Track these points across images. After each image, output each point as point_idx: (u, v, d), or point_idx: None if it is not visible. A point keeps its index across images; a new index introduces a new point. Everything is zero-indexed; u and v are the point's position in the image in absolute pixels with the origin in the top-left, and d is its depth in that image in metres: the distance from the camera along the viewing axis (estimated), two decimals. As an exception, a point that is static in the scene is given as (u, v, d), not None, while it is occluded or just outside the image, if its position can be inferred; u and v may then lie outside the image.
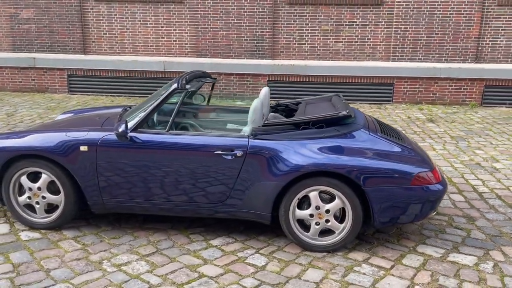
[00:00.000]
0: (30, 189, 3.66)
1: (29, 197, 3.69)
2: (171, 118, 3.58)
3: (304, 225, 3.49)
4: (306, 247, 3.45)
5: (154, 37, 10.12)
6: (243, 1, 9.69)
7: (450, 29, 9.33)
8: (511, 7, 9.19)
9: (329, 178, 3.32)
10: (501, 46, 9.37)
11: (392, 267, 3.21)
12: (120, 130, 3.40)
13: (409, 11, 9.36)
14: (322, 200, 3.38)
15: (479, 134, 6.83)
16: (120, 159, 3.53)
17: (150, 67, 9.62)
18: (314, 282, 3.02)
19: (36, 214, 3.74)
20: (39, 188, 3.65)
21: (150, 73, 9.69)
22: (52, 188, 3.70)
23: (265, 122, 3.58)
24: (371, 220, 3.37)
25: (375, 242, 3.58)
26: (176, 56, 10.10)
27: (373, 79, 9.27)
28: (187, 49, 10.11)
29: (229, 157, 3.43)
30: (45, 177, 3.64)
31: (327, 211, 3.37)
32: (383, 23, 9.52)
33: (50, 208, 3.76)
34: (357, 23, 9.58)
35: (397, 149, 3.51)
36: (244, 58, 9.88)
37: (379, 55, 9.67)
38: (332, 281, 3.04)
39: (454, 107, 8.87)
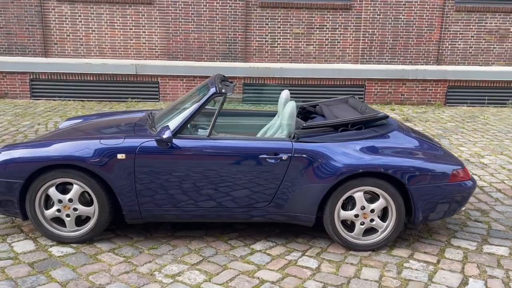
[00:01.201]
0: (60, 201, 3.45)
1: (58, 210, 3.47)
2: (212, 122, 3.52)
3: (345, 225, 3.57)
4: (351, 247, 3.52)
5: (122, 39, 9.80)
6: (215, 4, 9.64)
7: (413, 33, 9.83)
8: (468, 13, 9.85)
9: (374, 178, 3.41)
10: (459, 49, 10.02)
11: (438, 261, 3.37)
12: (165, 136, 3.29)
13: (376, 16, 9.75)
14: (365, 200, 3.48)
15: (455, 132, 7.27)
16: (160, 166, 3.42)
17: (121, 70, 9.30)
18: (375, 281, 3.10)
19: (65, 227, 3.53)
20: (70, 200, 3.45)
21: (121, 77, 9.37)
22: (81, 199, 3.50)
23: (305, 125, 3.62)
24: (412, 217, 3.51)
25: (411, 238, 3.73)
26: (146, 59, 9.85)
27: (346, 81, 9.56)
28: (157, 51, 9.88)
29: (274, 161, 3.43)
30: (77, 188, 3.44)
31: (372, 210, 3.46)
32: (352, 26, 9.85)
33: (78, 220, 3.57)
34: (327, 26, 9.84)
35: (431, 148, 3.68)
36: (216, 61, 9.83)
37: (348, 57, 9.99)
38: (390, 278, 3.13)
39: (422, 107, 9.37)
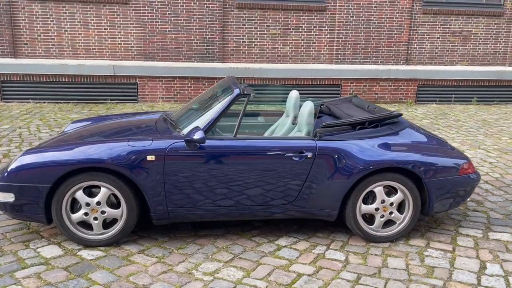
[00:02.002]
0: (88, 204, 3.42)
1: (85, 213, 3.44)
2: (238, 123, 3.60)
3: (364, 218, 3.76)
4: (371, 239, 3.71)
5: (97, 40, 9.61)
6: (192, 4, 9.64)
7: (384, 34, 10.26)
8: (434, 15, 10.39)
9: (393, 173, 3.62)
10: (426, 50, 10.55)
11: (454, 249, 3.62)
12: (197, 137, 3.34)
13: (349, 17, 10.09)
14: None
15: (432, 128, 7.68)
16: (189, 167, 3.46)
17: (98, 71, 9.12)
18: (403, 269, 3.30)
19: (91, 231, 3.51)
20: (98, 203, 3.43)
21: (98, 78, 9.19)
22: (107, 201, 3.49)
23: (325, 123, 3.77)
24: (426, 208, 3.75)
25: (422, 229, 3.98)
26: (121, 59, 9.71)
27: (324, 81, 9.84)
28: (134, 52, 9.76)
29: (299, 159, 3.56)
30: (104, 191, 3.43)
31: (391, 204, 3.67)
32: (326, 28, 10.14)
33: (103, 223, 3.55)
34: (303, 27, 10.08)
35: (439, 143, 3.94)
36: (194, 61, 9.84)
37: (323, 58, 10.28)
38: (416, 266, 3.35)
39: (395, 105, 9.79)
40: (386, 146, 3.67)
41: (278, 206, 3.64)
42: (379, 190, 3.64)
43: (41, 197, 3.35)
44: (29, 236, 3.64)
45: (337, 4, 10.00)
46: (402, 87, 10.07)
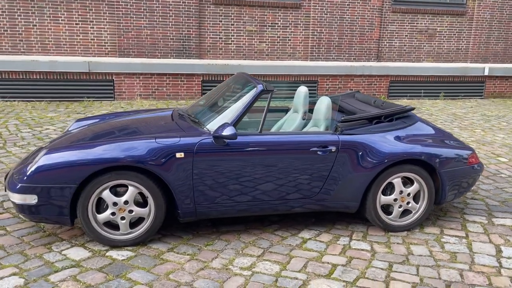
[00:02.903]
0: (115, 204, 3.35)
1: (112, 213, 3.36)
2: (262, 119, 3.63)
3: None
4: (389, 228, 3.86)
5: (68, 35, 9.28)
6: (167, 0, 9.50)
7: (357, 32, 10.55)
8: (402, 14, 10.79)
9: (410, 164, 3.78)
10: (395, 47, 10.94)
11: (467, 235, 3.83)
12: (229, 133, 3.34)
13: (323, 15, 10.30)
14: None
15: (410, 122, 8.00)
16: (217, 163, 3.46)
17: (73, 68, 8.80)
18: (428, 256, 3.46)
19: (118, 230, 3.43)
20: (125, 202, 3.36)
21: (73, 75, 8.87)
22: (134, 200, 3.43)
23: (343, 118, 3.87)
24: (439, 198, 3.94)
25: (432, 217, 4.17)
26: (94, 56, 9.42)
27: (301, 77, 9.99)
28: (107, 48, 9.50)
29: (323, 153, 3.65)
30: (132, 190, 3.36)
31: (408, 194, 3.83)
32: (301, 25, 10.30)
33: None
34: (279, 24, 10.18)
35: (446, 135, 4.15)
36: (170, 58, 9.71)
37: (299, 54, 10.43)
38: (439, 252, 3.52)
39: (369, 101, 10.11)
40: (403, 139, 3.82)
41: (302, 200, 3.70)
42: (397, 181, 3.79)
43: (67, 198, 3.24)
44: (48, 239, 3.51)
45: (312, 2, 10.17)
46: (375, 83, 10.40)
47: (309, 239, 3.71)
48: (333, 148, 3.65)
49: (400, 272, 3.21)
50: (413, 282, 3.10)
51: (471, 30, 11.25)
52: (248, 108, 3.61)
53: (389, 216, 3.86)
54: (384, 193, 3.84)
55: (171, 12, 9.58)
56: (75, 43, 9.34)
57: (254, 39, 10.14)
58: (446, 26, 11.11)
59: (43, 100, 8.76)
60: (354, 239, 3.72)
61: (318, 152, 3.63)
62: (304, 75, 9.97)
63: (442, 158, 3.83)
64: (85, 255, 3.28)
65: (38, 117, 7.40)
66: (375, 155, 3.69)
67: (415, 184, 3.85)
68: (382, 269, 3.25)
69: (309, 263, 3.31)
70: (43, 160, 3.25)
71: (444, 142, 4.00)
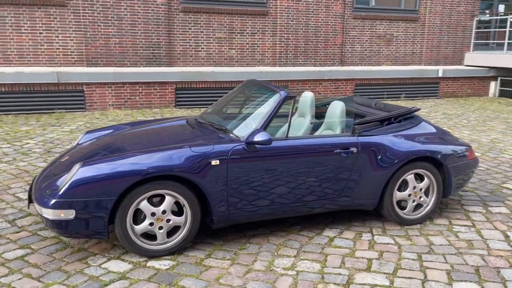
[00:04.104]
0: (153, 214, 3.35)
1: (150, 224, 3.36)
2: (288, 124, 3.76)
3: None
4: (404, 222, 4.11)
5: (31, 45, 8.96)
6: (136, 8, 9.41)
7: (321, 38, 10.94)
8: (362, 20, 11.32)
9: (422, 161, 4.06)
10: (357, 52, 11.45)
11: (473, 224, 4.16)
12: (264, 138, 3.44)
13: (289, 22, 10.59)
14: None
15: (382, 123, 8.42)
16: (249, 168, 3.55)
17: (40, 79, 8.48)
18: (448, 245, 3.73)
19: (154, 240, 3.42)
20: (163, 212, 3.37)
21: (40, 86, 8.55)
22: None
23: (358, 121, 4.09)
24: (446, 192, 4.24)
25: (437, 210, 4.48)
26: (60, 65, 9.14)
27: (273, 83, 10.17)
28: (74, 57, 9.26)
29: (345, 154, 3.83)
30: (169, 199, 3.38)
31: (420, 189, 4.11)
32: (269, 31, 10.53)
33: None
34: (247, 31, 10.36)
35: (446, 133, 4.48)
36: (140, 66, 9.60)
37: (267, 61, 10.65)
38: (456, 241, 3.80)
39: (337, 104, 10.49)
40: (414, 138, 4.09)
41: (325, 200, 3.86)
42: (411, 177, 4.05)
43: (106, 210, 3.20)
44: (80, 254, 3.43)
45: (278, 9, 10.44)
46: (342, 86, 10.81)
47: (334, 237, 3.87)
48: (354, 149, 3.85)
49: (431, 261, 3.45)
50: (446, 269, 3.34)
51: (424, 35, 11.99)
52: (274, 114, 3.72)
53: (404, 211, 4.11)
54: (399, 189, 4.09)
55: (139, 20, 9.48)
56: (39, 53, 9.02)
57: (223, 46, 10.23)
58: (401, 32, 11.76)
59: (9, 113, 8.37)
60: (376, 234, 3.93)
61: (342, 154, 3.81)
62: (276, 81, 10.18)
63: (448, 154, 4.14)
64: (127, 267, 3.25)
65: (12, 131, 7.07)
66: (392, 154, 3.92)
67: (426, 179, 4.13)
68: (413, 259, 3.48)
69: (345, 259, 3.47)
70: (80, 173, 3.19)
71: (446, 139, 4.32)
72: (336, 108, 4.18)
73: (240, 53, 10.37)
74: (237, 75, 9.75)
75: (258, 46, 10.49)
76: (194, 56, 10.03)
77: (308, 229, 4.01)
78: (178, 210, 3.49)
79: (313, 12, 10.72)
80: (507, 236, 3.91)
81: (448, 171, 4.15)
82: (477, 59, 12.10)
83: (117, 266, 3.26)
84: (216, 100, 9.82)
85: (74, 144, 4.27)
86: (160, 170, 3.26)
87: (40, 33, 8.97)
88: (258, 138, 3.46)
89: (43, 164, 5.50)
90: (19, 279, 3.06)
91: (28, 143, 6.43)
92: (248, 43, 10.39)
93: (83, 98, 8.91)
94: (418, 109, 4.36)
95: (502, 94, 12.29)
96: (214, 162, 3.43)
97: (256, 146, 3.54)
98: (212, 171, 3.43)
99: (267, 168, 3.60)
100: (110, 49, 9.36)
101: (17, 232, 3.75)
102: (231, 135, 3.69)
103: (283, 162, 3.65)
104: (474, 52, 12.38)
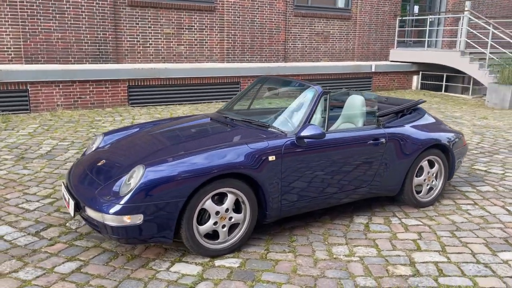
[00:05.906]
0: (217, 212, 3.28)
1: (214, 223, 3.29)
2: (326, 118, 3.89)
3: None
4: (420, 205, 4.46)
5: (-38, 39, 8.00)
6: (79, 0, 8.83)
7: (266, 34, 11.16)
8: (302, 18, 11.73)
9: (433, 149, 4.44)
10: (298, 48, 11.86)
11: (475, 202, 4.62)
12: (318, 132, 3.53)
13: (236, 18, 10.66)
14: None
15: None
16: (299, 162, 3.63)
17: (-21, 77, 7.61)
18: (468, 222, 4.12)
19: (214, 239, 3.36)
20: (226, 210, 3.32)
21: (-21, 85, 7.66)
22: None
23: (379, 113, 4.34)
24: (450, 174, 4.68)
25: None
26: (5, 64, 8.29)
27: (225, 79, 10.19)
28: (11, 54, 8.45)
29: (375, 145, 4.07)
30: (231, 197, 3.34)
31: (433, 174, 4.49)
32: (216, 27, 10.50)
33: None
34: (195, 27, 10.23)
35: (442, 123, 4.93)
36: (86, 63, 9.04)
37: (215, 57, 10.62)
38: (471, 217, 4.22)
39: (286, 99, 10.80)
40: (426, 128, 4.46)
41: (360, 189, 4.06)
42: (425, 164, 4.42)
43: (175, 213, 3.08)
44: (137, 261, 3.24)
45: (225, 5, 10.44)
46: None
47: (367, 223, 4.10)
48: (383, 140, 4.10)
49: (464, 237, 3.82)
50: (481, 242, 3.72)
51: (356, 32, 12.77)
52: (315, 109, 3.83)
53: (420, 195, 4.47)
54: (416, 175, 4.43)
55: (83, 14, 8.91)
56: (-28, 48, 8.08)
57: (172, 41, 10.00)
58: (336, 29, 12.41)
59: None
60: (402, 218, 4.23)
61: (374, 145, 4.04)
62: (226, 77, 10.20)
63: (452, 141, 4.57)
64: (198, 269, 3.15)
65: (-40, 137, 6.29)
66: (413, 143, 4.24)
67: (436, 165, 4.52)
68: (450, 237, 3.82)
69: (393, 242, 3.70)
70: (147, 176, 3.03)
71: (446, 128, 4.76)
72: (356, 102, 4.40)
73: (189, 49, 10.20)
74: (190, 71, 9.60)
75: (206, 42, 10.41)
76: (142, 52, 9.66)
77: (338, 218, 4.18)
78: (236, 208, 3.45)
79: (258, 9, 10.89)
80: (507, 210, 4.44)
81: (453, 156, 4.59)
82: (401, 55, 13.19)
83: (187, 269, 3.15)
84: (171, 98, 9.61)
85: (93, 148, 3.98)
86: (226, 168, 3.21)
87: (-29, 26, 8.03)
88: (310, 132, 3.55)
89: (26, 171, 5.01)
90: (91, 293, 2.83)
91: (-10, 149, 5.78)
92: (196, 39, 10.25)
93: (27, 99, 8.15)
94: (424, 101, 4.74)
95: (423, 87, 13.55)
96: (271, 157, 3.45)
97: (305, 140, 3.62)
98: (268, 167, 3.44)
99: (315, 161, 3.70)
100: (51, 45, 8.66)
101: (52, 245, 3.43)
102: (276, 130, 3.73)
103: (327, 154, 3.77)
104: (398, 48, 13.47)
